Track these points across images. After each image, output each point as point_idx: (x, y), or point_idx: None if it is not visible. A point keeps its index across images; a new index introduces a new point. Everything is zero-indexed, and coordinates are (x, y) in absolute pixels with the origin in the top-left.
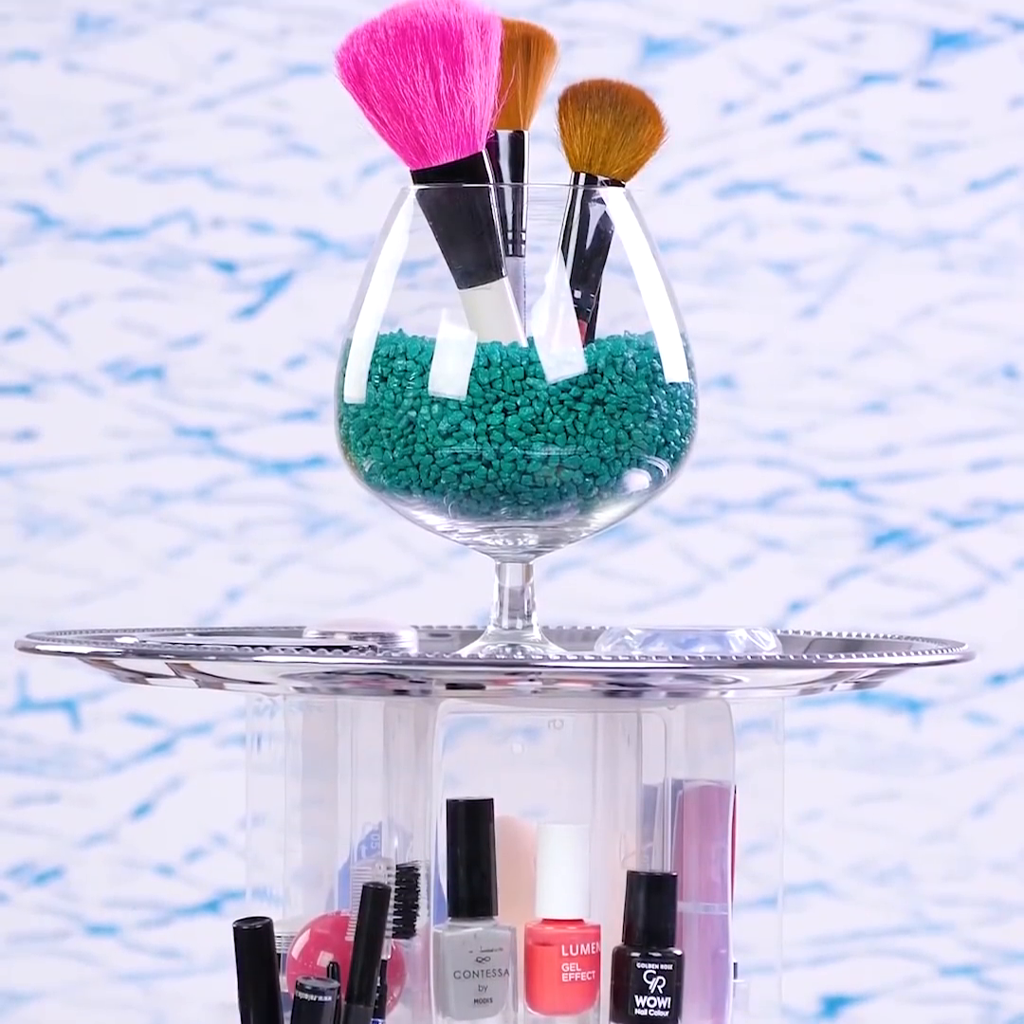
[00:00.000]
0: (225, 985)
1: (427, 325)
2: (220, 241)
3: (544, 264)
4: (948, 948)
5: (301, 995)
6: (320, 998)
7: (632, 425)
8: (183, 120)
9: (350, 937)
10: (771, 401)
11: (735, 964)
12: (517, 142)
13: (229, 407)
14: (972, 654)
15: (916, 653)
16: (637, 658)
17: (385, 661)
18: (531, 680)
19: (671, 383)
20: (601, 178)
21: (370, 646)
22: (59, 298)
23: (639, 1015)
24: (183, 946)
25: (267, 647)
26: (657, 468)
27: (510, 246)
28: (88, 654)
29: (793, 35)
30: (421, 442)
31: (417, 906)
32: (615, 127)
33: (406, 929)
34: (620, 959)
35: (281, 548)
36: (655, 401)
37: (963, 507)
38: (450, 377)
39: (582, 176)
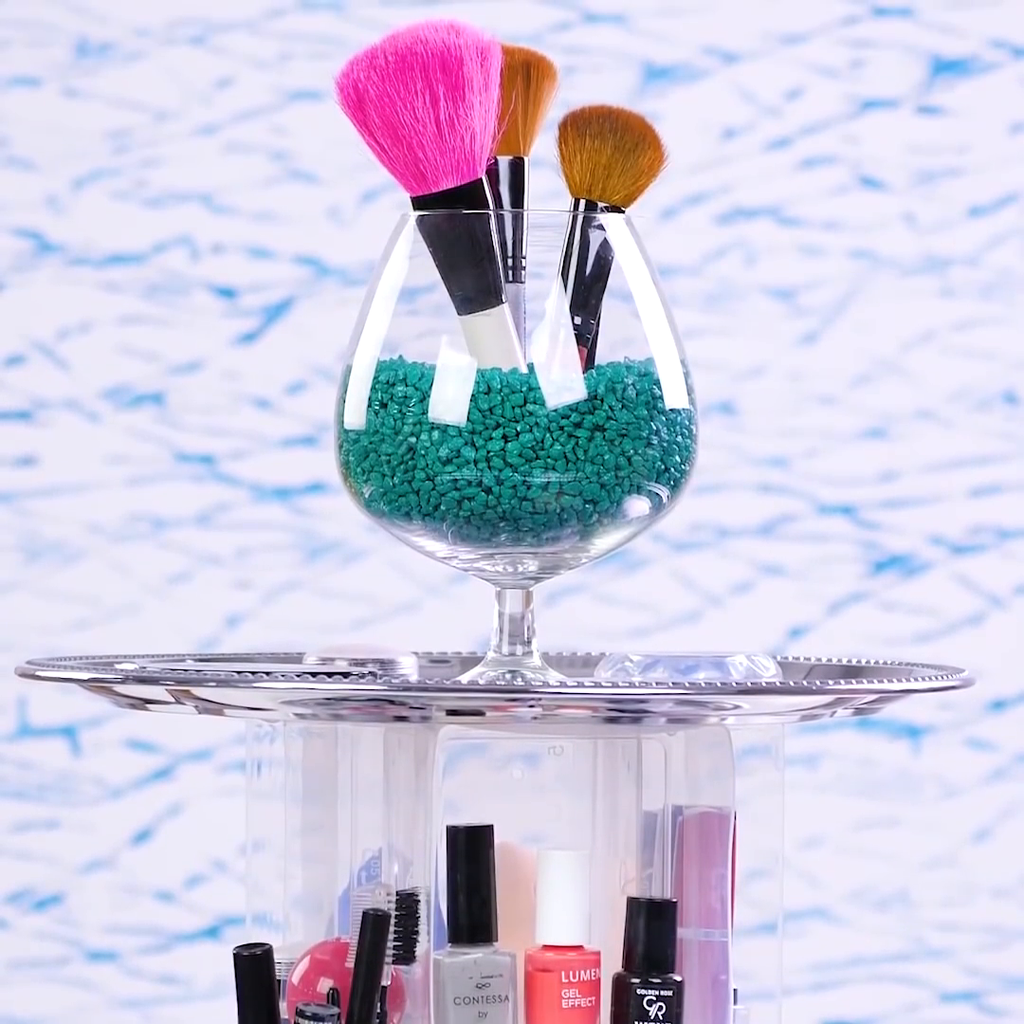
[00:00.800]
0: (225, 1011)
1: (427, 351)
2: (220, 267)
3: (544, 290)
4: (948, 974)
5: (301, 1021)
6: None
7: (632, 451)
8: (183, 146)
9: (350, 963)
10: (771, 427)
11: (735, 990)
12: (517, 168)
13: (229, 433)
14: (972, 680)
15: (916, 679)
16: (637, 684)
17: (385, 687)
18: (531, 706)
19: (671, 409)
20: (601, 204)
21: (370, 672)
22: (59, 324)
23: None
24: (183, 972)
25: (267, 673)
26: (657, 494)
27: (510, 272)
28: (88, 680)
29: (793, 61)
30: (421, 468)
31: (417, 932)
32: (615, 153)
33: (406, 955)
34: (620, 985)
35: (281, 574)
36: (655, 427)
37: (963, 533)
38: (450, 403)
39: (582, 202)
